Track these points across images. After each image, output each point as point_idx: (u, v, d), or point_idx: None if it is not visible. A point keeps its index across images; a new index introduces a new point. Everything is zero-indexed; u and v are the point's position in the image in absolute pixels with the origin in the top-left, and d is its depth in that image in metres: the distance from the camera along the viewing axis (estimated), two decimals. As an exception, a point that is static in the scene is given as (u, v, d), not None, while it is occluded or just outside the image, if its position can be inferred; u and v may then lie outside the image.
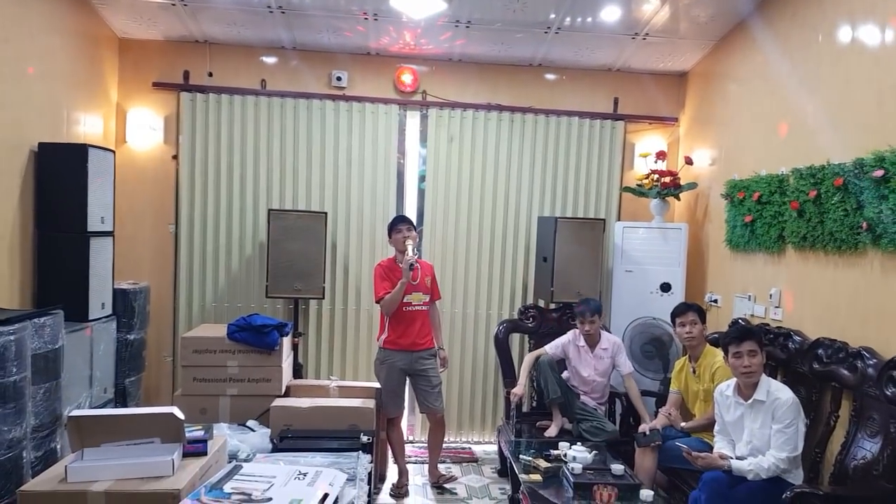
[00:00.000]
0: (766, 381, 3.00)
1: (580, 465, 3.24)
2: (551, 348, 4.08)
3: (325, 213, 4.50)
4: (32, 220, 3.59)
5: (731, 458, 2.99)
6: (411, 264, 3.83)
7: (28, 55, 3.53)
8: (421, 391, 4.03)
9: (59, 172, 3.61)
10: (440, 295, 4.31)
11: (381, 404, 3.99)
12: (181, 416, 2.54)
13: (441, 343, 4.19)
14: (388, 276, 3.95)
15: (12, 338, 2.72)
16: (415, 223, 4.17)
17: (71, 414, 2.48)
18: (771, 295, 3.69)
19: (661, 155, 4.76)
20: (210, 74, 4.69)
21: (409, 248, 3.88)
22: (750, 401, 2.99)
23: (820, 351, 3.15)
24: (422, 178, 4.98)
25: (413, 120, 4.95)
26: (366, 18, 4.28)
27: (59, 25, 3.85)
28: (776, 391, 2.95)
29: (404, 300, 3.92)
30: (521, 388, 3.96)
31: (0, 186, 3.29)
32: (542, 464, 3.34)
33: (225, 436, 3.05)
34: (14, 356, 2.73)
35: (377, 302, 3.98)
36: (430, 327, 4.09)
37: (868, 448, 2.77)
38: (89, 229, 3.66)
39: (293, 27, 4.43)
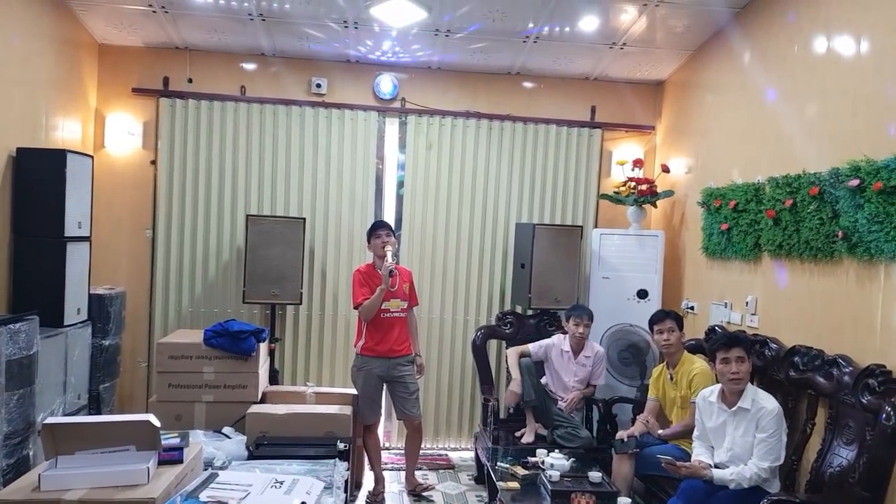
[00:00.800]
0: (751, 389, 3.01)
1: (558, 473, 3.24)
2: (535, 348, 4.09)
3: (304, 219, 4.50)
4: (9, 225, 3.57)
5: (710, 464, 3.01)
6: (391, 271, 3.83)
7: (7, 60, 3.50)
8: (398, 398, 4.03)
9: (37, 177, 3.58)
10: (418, 301, 4.32)
11: (358, 411, 3.99)
12: (157, 423, 2.53)
13: (418, 350, 4.19)
14: (367, 281, 3.94)
15: (-15, 344, 2.69)
16: (394, 229, 4.18)
17: (45, 421, 2.46)
18: (747, 302, 3.74)
19: (637, 163, 4.82)
20: (190, 80, 4.68)
21: (389, 255, 3.88)
22: (734, 408, 3.00)
23: (796, 358, 3.17)
24: (400, 185, 5.00)
25: (392, 126, 4.98)
26: (346, 27, 4.30)
27: (39, 31, 3.83)
28: (762, 400, 2.96)
29: (382, 306, 3.91)
30: (518, 385, 3.93)
31: (-25, 191, 3.26)
32: (520, 471, 3.36)
33: (201, 443, 3.03)
34: (-13, 363, 2.71)
35: (355, 308, 3.98)
36: (408, 334, 4.09)
37: (844, 455, 2.79)
38: (66, 234, 3.63)
39: (273, 34, 4.44)
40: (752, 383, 3.11)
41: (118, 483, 2.39)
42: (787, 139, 3.50)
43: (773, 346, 3.40)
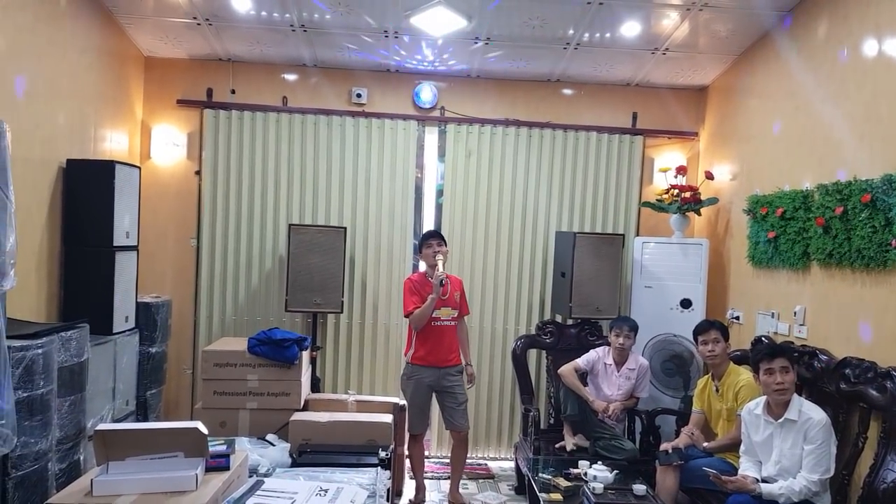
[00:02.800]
0: (797, 400, 2.96)
1: (601, 485, 3.20)
2: (583, 362, 4.05)
3: (345, 228, 4.53)
4: (60, 235, 3.66)
5: (757, 479, 2.95)
6: (441, 280, 3.82)
7: (58, 74, 3.60)
8: (447, 408, 4.02)
9: (87, 188, 3.67)
10: (469, 310, 4.31)
11: (406, 420, 3.98)
12: (205, 430, 2.56)
13: (469, 359, 4.17)
14: (418, 290, 3.96)
15: (40, 351, 2.75)
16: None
17: (97, 427, 2.51)
18: (795, 312, 3.64)
19: (681, 170, 4.75)
20: (233, 92, 4.77)
21: (440, 264, 3.88)
22: (781, 420, 2.95)
23: (847, 370, 3.09)
24: (440, 193, 5.01)
25: (431, 135, 5.00)
26: (386, 36, 4.33)
27: (88, 45, 3.94)
28: (808, 411, 2.90)
29: (433, 315, 3.91)
30: (592, 394, 3.95)
31: (30, 202, 3.35)
32: (563, 482, 3.32)
33: (246, 450, 3.06)
34: (41, 369, 2.76)
35: (406, 316, 3.99)
36: (458, 343, 4.08)
37: (898, 470, 2.70)
38: (115, 244, 3.71)
39: (315, 45, 4.50)
40: (800, 395, 3.03)
41: (167, 489, 2.41)
42: (836, 145, 3.41)
43: (823, 357, 3.30)
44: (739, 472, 3.08)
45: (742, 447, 3.17)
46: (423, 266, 4.15)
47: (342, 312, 4.61)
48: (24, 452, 2.64)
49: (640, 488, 3.21)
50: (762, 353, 3.03)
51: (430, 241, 3.99)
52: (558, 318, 4.77)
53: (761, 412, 3.05)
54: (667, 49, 4.40)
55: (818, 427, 2.84)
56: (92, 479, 2.40)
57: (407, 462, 4.17)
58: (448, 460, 4.36)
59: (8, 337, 2.42)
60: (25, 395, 2.62)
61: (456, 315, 4.05)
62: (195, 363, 4.72)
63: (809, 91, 3.67)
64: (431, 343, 3.94)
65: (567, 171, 4.94)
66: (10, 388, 2.40)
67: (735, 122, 4.57)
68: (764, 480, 2.96)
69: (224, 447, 2.75)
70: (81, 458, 3.20)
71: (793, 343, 3.58)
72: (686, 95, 5.06)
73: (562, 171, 4.94)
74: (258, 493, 2.61)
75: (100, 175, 3.69)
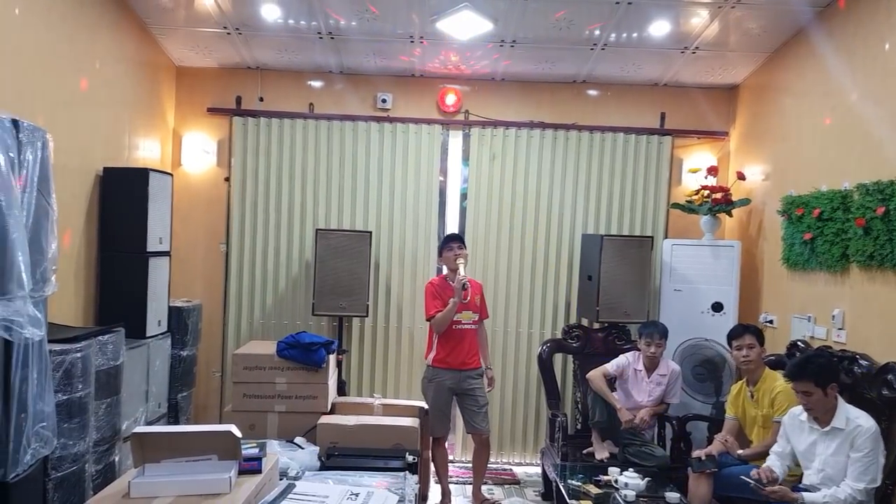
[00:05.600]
0: (844, 407, 2.89)
1: (633, 493, 3.16)
2: (612, 368, 3.99)
3: (370, 233, 4.56)
4: (96, 242, 3.74)
5: (779, 476, 2.91)
6: (464, 283, 3.82)
7: (95, 84, 3.69)
8: (467, 411, 4.02)
9: (122, 195, 3.76)
10: (488, 314, 4.30)
11: (428, 423, 3.98)
12: (238, 434, 2.58)
13: (489, 363, 4.17)
14: (440, 294, 3.96)
15: (79, 355, 2.80)
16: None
17: (134, 430, 2.55)
18: (833, 316, 3.55)
19: (712, 170, 4.67)
20: (261, 99, 4.83)
21: (461, 267, 3.88)
22: (827, 427, 2.88)
23: (889, 376, 3.00)
24: (464, 197, 5.01)
25: (455, 139, 5.00)
26: (412, 42, 4.35)
27: (122, 55, 4.02)
28: (856, 418, 2.83)
29: (454, 318, 3.92)
30: (621, 401, 3.89)
31: (68, 210, 3.42)
32: (593, 489, 3.29)
33: (277, 453, 3.08)
34: (80, 373, 2.82)
35: (428, 320, 4.00)
36: (478, 346, 4.07)
37: (945, 480, 2.62)
38: (148, 249, 3.78)
39: (341, 52, 4.53)
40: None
41: (202, 491, 2.43)
42: (876, 143, 3.31)
43: (864, 362, 3.21)
44: (763, 466, 3.03)
45: (776, 447, 3.12)
46: (445, 269, 4.15)
47: (367, 316, 4.63)
48: (64, 454, 2.70)
49: (672, 496, 3.16)
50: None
51: (450, 245, 4.00)
52: (584, 322, 4.72)
53: (806, 418, 2.98)
54: (697, 48, 4.34)
55: (867, 435, 2.77)
56: (129, 481, 2.44)
57: (432, 466, 4.16)
58: (472, 465, 4.33)
59: (49, 341, 2.47)
60: (65, 398, 2.68)
61: (476, 319, 4.05)
62: (224, 366, 4.79)
63: (848, 88, 3.58)
64: (452, 346, 3.95)
65: (593, 173, 4.90)
66: (51, 392, 2.46)
67: (768, 121, 4.49)
68: (805, 489, 2.90)
69: (256, 450, 2.76)
70: (116, 459, 3.26)
71: (831, 348, 3.49)
72: (716, 95, 4.98)
73: (588, 173, 4.90)
74: (290, 496, 2.63)
75: (135, 182, 3.77)
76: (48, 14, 3.17)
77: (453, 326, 3.94)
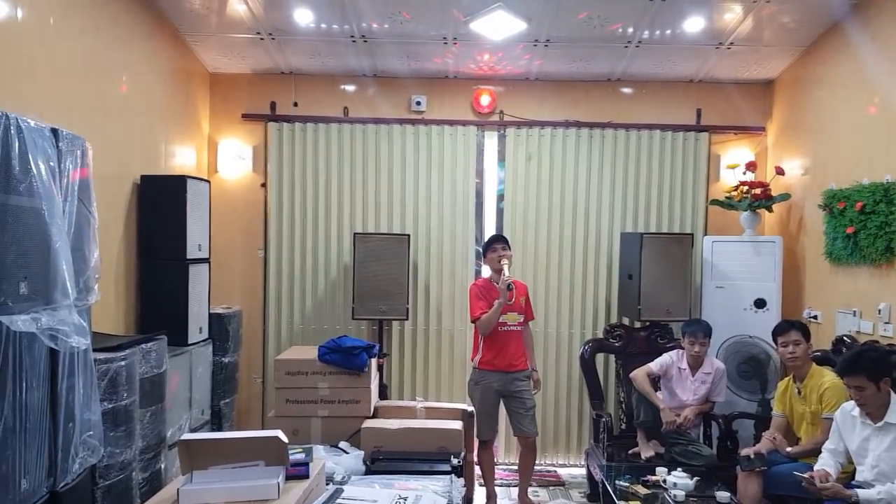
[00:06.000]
0: None
1: (682, 492, 3.13)
2: (656, 366, 3.95)
3: (408, 235, 4.56)
4: (135, 249, 3.77)
5: (832, 475, 2.87)
6: (509, 284, 3.80)
7: (132, 93, 3.73)
8: (514, 413, 3.99)
9: (160, 203, 3.77)
10: (534, 315, 4.27)
11: (475, 426, 3.96)
12: (285, 439, 2.58)
13: (535, 365, 4.14)
14: (484, 295, 3.94)
15: (123, 363, 2.82)
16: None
17: (181, 437, 2.56)
18: (879, 310, 3.48)
19: (750, 166, 4.60)
20: (295, 104, 4.85)
21: (506, 268, 3.86)
22: (881, 423, 2.83)
23: (938, 369, 2.94)
24: (500, 198, 4.98)
25: (491, 140, 4.98)
26: (445, 43, 4.34)
27: (157, 63, 4.06)
28: None
29: (500, 320, 3.90)
30: (665, 401, 3.86)
31: (107, 218, 3.45)
32: (641, 490, 3.25)
33: (323, 458, 3.08)
34: (125, 381, 2.84)
35: (473, 322, 3.99)
36: (524, 348, 4.04)
37: None
38: (188, 257, 3.80)
39: (374, 55, 4.54)
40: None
41: (250, 498, 2.43)
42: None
43: (912, 356, 3.14)
44: (815, 466, 2.98)
45: (828, 444, 3.06)
46: (485, 271, 4.12)
47: (407, 319, 4.62)
48: (111, 462, 2.71)
49: (723, 495, 3.12)
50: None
51: (494, 246, 3.97)
52: (626, 322, 4.67)
53: (858, 414, 2.93)
54: (731, 43, 4.28)
55: None
56: (178, 489, 2.44)
57: (476, 469, 4.13)
58: (517, 467, 4.30)
59: (93, 350, 2.49)
60: (110, 406, 2.70)
61: (522, 320, 4.02)
62: (265, 372, 4.81)
63: (886, 79, 3.52)
64: (498, 348, 3.92)
65: (630, 171, 4.86)
66: (97, 400, 2.48)
67: (805, 115, 4.41)
68: (858, 486, 2.84)
69: (303, 455, 2.76)
70: (163, 466, 3.28)
71: (878, 342, 3.42)
72: (752, 90, 4.90)
73: (625, 172, 4.86)
74: (338, 501, 2.62)
75: (172, 190, 3.79)
76: (83, 24, 3.21)
77: (499, 328, 3.92)
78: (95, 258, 2.42)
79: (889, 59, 3.52)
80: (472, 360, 4.04)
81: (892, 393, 2.86)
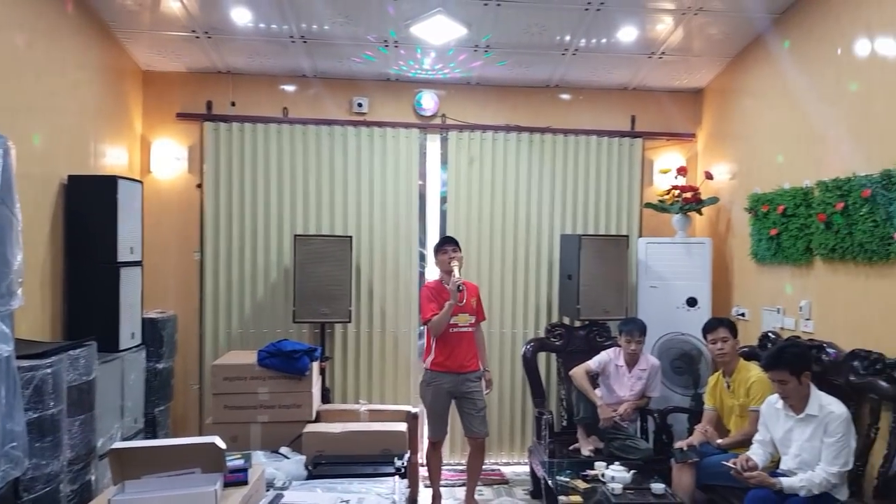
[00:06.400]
0: (816, 394, 2.99)
1: (620, 485, 3.21)
2: (594, 364, 4.05)
3: (350, 237, 4.53)
4: (62, 252, 3.61)
5: (759, 465, 3.00)
6: (459, 286, 3.82)
7: (58, 90, 3.58)
8: (466, 414, 4.00)
9: (89, 204, 3.62)
10: (485, 316, 4.30)
11: (426, 427, 3.97)
12: (223, 445, 2.52)
13: (487, 365, 4.17)
14: (436, 297, 3.95)
15: (49, 371, 2.70)
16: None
17: (112, 446, 2.47)
18: (801, 307, 3.68)
19: (682, 170, 4.79)
20: (233, 104, 4.75)
21: (456, 270, 3.88)
22: (802, 414, 2.98)
23: (856, 363, 3.12)
24: (443, 200, 5.01)
25: (433, 143, 5.01)
26: (386, 46, 4.34)
27: (86, 60, 3.91)
28: (829, 405, 2.94)
29: (451, 321, 3.91)
30: (603, 398, 3.94)
31: (32, 219, 3.29)
32: (581, 485, 3.32)
33: (263, 464, 3.03)
34: (51, 389, 2.72)
35: (424, 323, 3.99)
36: (476, 349, 4.07)
37: (912, 460, 2.72)
38: (119, 260, 3.66)
39: (314, 55, 4.50)
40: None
41: (187, 506, 2.38)
42: (834, 142, 3.46)
43: (831, 350, 3.34)
44: (744, 454, 3.11)
45: (757, 436, 3.20)
46: (432, 273, 4.13)
47: (350, 322, 4.59)
48: (36, 475, 2.59)
49: (658, 487, 3.22)
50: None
51: (445, 248, 3.99)
52: (566, 321, 4.77)
53: (782, 406, 3.07)
54: (663, 53, 4.45)
55: (838, 420, 2.88)
56: (109, 499, 2.36)
57: (422, 470, 4.14)
58: (462, 467, 4.33)
59: (17, 357, 2.37)
60: (35, 415, 2.58)
61: (473, 321, 4.05)
62: (202, 378, 4.68)
63: (805, 91, 3.73)
64: (450, 349, 3.94)
65: (569, 175, 4.97)
66: (21, 410, 2.36)
67: (732, 122, 4.63)
68: (783, 474, 2.99)
69: (242, 461, 2.71)
70: (93, 478, 3.15)
71: (800, 338, 3.61)
72: (683, 98, 5.11)
73: (564, 175, 4.97)
74: (279, 506, 2.58)
75: (102, 190, 3.65)
76: (5, 19, 3.06)
77: (450, 329, 3.93)
78: (19, 261, 2.33)
79: (806, 71, 3.73)
80: (424, 361, 4.05)
81: (813, 386, 3.02)
